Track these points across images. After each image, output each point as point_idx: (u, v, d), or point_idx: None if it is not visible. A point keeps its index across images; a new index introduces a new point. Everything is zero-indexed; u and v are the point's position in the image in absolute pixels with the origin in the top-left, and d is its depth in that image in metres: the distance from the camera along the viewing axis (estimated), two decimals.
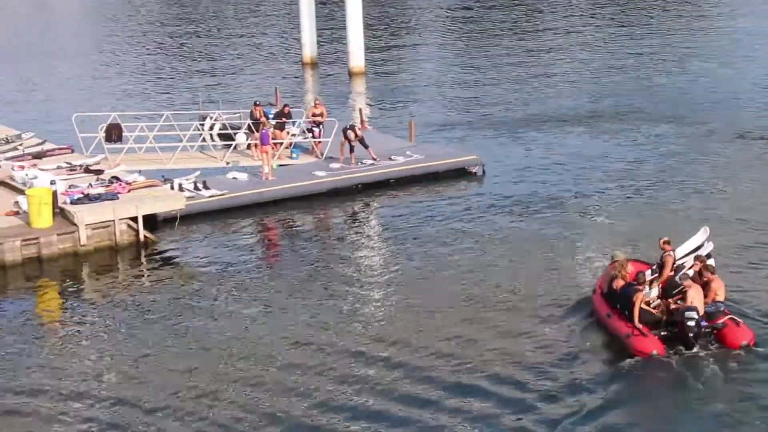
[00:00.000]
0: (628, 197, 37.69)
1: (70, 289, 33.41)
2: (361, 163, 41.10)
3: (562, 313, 29.51)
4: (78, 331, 30.24)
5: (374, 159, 41.20)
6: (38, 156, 41.51)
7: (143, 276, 34.29)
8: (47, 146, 42.71)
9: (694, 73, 56.15)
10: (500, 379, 26.03)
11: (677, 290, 28.21)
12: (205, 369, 27.18)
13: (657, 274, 28.89)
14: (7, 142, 43.12)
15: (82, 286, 33.68)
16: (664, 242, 29.29)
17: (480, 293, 30.84)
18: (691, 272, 28.38)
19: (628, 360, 26.82)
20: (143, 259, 35.23)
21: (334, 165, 40.91)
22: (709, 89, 52.55)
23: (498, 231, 35.60)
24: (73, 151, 41.82)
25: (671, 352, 26.79)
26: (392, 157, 41.65)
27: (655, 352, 26.82)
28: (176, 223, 36.86)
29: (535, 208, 37.44)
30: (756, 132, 45.06)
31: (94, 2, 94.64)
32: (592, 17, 72.72)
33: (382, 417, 24.56)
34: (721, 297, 27.62)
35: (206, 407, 25.33)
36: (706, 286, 27.64)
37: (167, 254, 35.47)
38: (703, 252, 28.99)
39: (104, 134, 41.61)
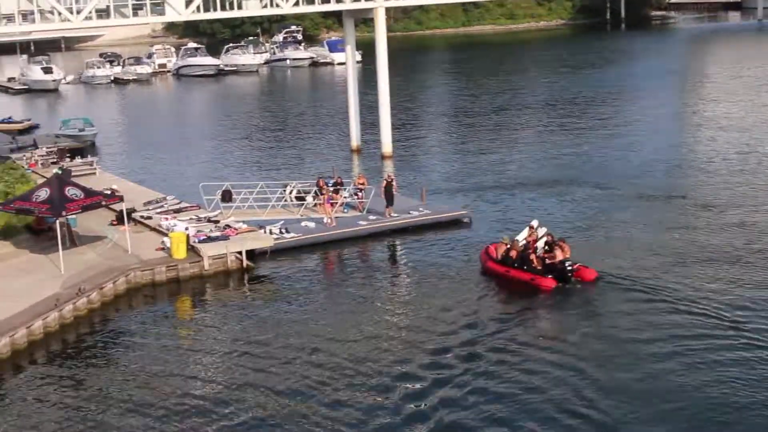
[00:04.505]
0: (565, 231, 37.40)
1: (198, 299, 34.42)
2: (391, 215, 41.22)
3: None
4: (201, 326, 31.49)
5: (390, 215, 41.16)
6: (177, 211, 42.10)
7: (245, 290, 35.17)
8: (183, 205, 43.23)
9: (619, 151, 55.71)
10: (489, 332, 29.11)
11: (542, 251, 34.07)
12: (277, 353, 28.45)
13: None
14: (157, 202, 43.85)
15: (206, 297, 34.56)
16: (530, 227, 35.13)
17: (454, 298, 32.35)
18: (542, 242, 34.34)
19: (535, 295, 32.21)
20: (245, 279, 35.86)
21: (372, 216, 41.15)
22: (629, 163, 52.30)
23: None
24: (200, 208, 42.35)
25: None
26: (410, 212, 41.59)
27: (554, 286, 32.05)
28: (267, 255, 37.40)
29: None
30: (654, 193, 44.99)
31: (211, 102, 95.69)
32: (554, 117, 72.38)
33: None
34: (568, 254, 33.27)
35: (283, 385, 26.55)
36: (560, 249, 33.05)
37: (261, 276, 36.16)
38: (542, 232, 35.28)
39: (220, 197, 42.22)
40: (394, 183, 42.15)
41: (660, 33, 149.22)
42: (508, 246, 34.36)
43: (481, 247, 36.37)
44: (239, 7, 54.08)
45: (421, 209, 42.11)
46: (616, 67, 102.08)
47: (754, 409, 23.74)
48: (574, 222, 40.64)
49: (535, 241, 34.85)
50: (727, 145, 56.06)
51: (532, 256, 33.51)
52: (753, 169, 49.53)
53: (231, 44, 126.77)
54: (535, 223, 36.22)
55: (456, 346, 28.10)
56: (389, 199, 41.41)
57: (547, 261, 33.46)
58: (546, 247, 34.40)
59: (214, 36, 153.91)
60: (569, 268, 32.73)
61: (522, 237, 35.28)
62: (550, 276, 32.70)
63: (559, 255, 33.33)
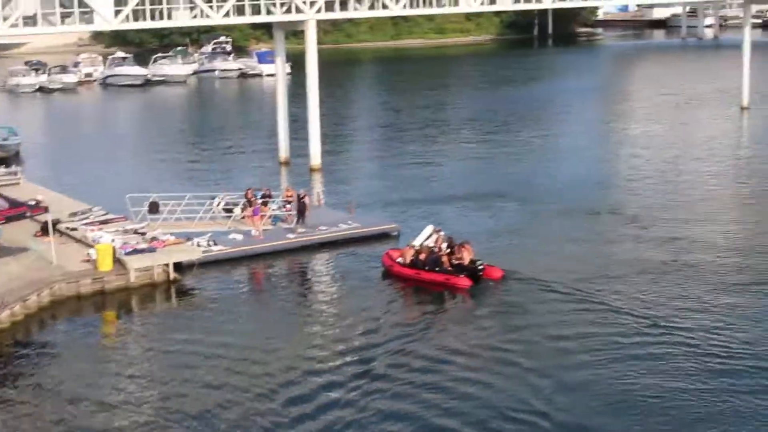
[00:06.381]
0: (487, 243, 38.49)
1: (123, 312, 34.22)
2: (320, 229, 41.25)
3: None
4: (126, 339, 31.42)
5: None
6: (103, 222, 41.62)
7: (172, 303, 35.16)
8: (109, 216, 42.74)
9: (545, 166, 56.34)
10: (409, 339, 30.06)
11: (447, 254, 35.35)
12: (198, 366, 28.56)
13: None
14: (83, 213, 43.28)
15: (131, 310, 34.39)
16: (437, 231, 36.73)
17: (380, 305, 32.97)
18: (445, 244, 35.59)
19: (451, 296, 33.86)
20: (172, 292, 35.79)
21: (300, 230, 41.11)
22: (554, 178, 52.92)
23: None
24: (126, 220, 41.97)
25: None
26: (339, 225, 41.75)
27: (469, 285, 33.50)
28: (194, 268, 37.22)
29: None
30: (577, 208, 45.75)
31: (138, 112, 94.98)
32: (481, 133, 72.99)
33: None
34: (473, 255, 34.92)
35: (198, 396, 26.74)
36: (466, 250, 34.54)
37: (188, 288, 36.11)
38: (433, 236, 36.81)
39: (147, 208, 42.05)
40: (306, 199, 42.12)
41: (586, 50, 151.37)
42: (417, 249, 35.67)
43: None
44: (169, 17, 53.75)
45: (349, 222, 42.31)
46: (541, 84, 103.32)
47: (665, 397, 25.27)
48: (499, 233, 41.71)
49: (439, 243, 36.32)
50: (648, 162, 57.14)
51: (444, 258, 34.91)
52: (673, 188, 50.61)
53: (159, 54, 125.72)
54: (431, 227, 37.70)
55: (380, 353, 28.80)
56: (302, 215, 41.41)
57: (455, 261, 34.89)
58: (448, 250, 35.69)
59: (142, 45, 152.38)
60: (480, 267, 34.44)
61: (422, 240, 36.81)
62: (462, 275, 34.22)
63: (466, 256, 34.81)
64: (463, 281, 34.12)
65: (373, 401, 25.69)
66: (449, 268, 34.82)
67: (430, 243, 36.69)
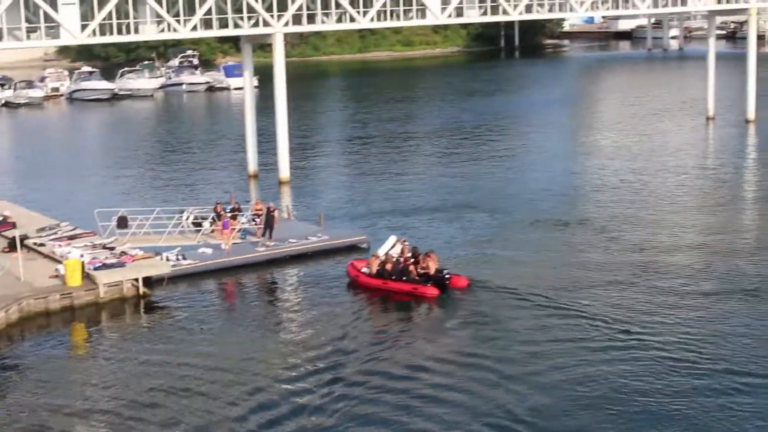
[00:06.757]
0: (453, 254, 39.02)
1: (93, 327, 33.96)
2: (289, 241, 41.48)
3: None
4: (95, 354, 31.23)
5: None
6: (71, 238, 41.49)
7: (141, 318, 34.96)
8: (77, 231, 42.64)
9: (513, 177, 56.81)
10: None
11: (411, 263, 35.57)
12: (170, 377, 28.60)
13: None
14: (51, 228, 43.12)
15: (101, 325, 34.16)
16: (402, 241, 36.85)
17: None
18: (409, 254, 35.94)
19: (420, 305, 34.17)
20: (142, 307, 35.64)
21: (269, 243, 41.20)
22: (523, 189, 53.31)
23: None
24: (95, 235, 41.83)
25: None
26: (308, 238, 41.81)
27: (437, 294, 33.85)
28: (164, 282, 37.18)
29: None
30: (545, 218, 46.13)
31: (105, 127, 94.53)
32: (449, 144, 73.28)
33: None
34: (438, 265, 35.32)
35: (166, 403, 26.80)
36: (431, 260, 34.88)
37: (158, 303, 35.98)
38: (398, 247, 37.05)
39: (116, 223, 41.91)
40: (275, 213, 42.18)
41: (552, 61, 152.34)
42: (383, 259, 36.05)
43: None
44: (136, 31, 53.63)
45: (319, 235, 42.34)
46: (508, 95, 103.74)
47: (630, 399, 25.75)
48: (467, 244, 42.05)
49: (405, 253, 36.78)
50: (616, 173, 57.50)
51: (411, 267, 35.25)
52: (640, 198, 51.01)
53: (126, 68, 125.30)
54: (395, 237, 38.14)
55: (350, 361, 29.08)
56: (270, 229, 41.43)
57: (421, 270, 35.29)
58: (412, 259, 36.04)
59: (109, 60, 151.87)
60: (447, 277, 34.78)
61: (386, 250, 37.12)
62: (430, 284, 34.63)
63: (431, 265, 35.13)
64: (431, 290, 34.50)
65: (343, 408, 25.80)
66: (416, 278, 35.16)
67: (395, 253, 36.91)
